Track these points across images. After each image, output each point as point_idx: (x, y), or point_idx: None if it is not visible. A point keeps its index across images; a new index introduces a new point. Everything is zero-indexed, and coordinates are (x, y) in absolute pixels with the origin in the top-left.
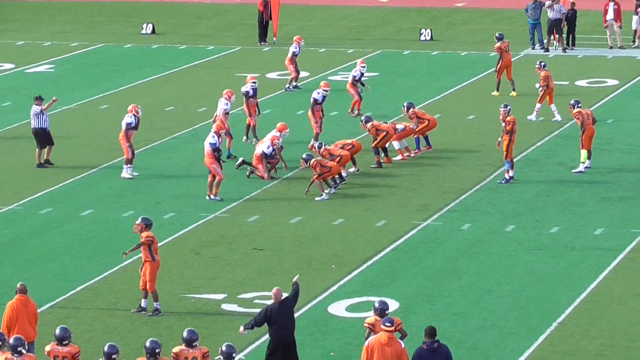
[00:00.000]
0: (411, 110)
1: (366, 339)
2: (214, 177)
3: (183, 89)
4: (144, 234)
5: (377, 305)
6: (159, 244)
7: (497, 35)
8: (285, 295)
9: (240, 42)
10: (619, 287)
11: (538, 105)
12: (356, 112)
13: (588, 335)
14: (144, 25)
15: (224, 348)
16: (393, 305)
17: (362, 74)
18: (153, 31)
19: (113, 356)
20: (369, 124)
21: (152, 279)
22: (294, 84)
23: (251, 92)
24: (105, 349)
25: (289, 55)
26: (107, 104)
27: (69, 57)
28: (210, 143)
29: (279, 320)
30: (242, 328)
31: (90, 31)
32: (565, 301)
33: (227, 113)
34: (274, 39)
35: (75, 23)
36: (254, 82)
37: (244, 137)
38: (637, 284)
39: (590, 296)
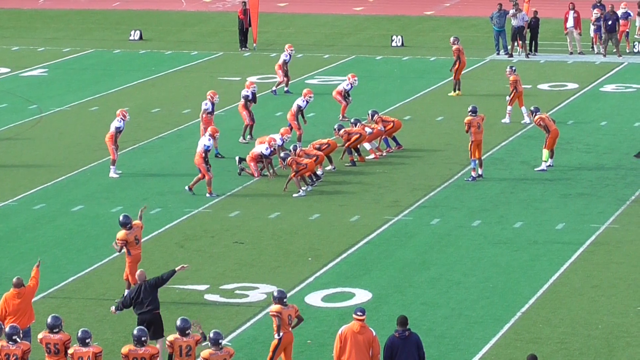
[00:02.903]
0: (376, 116)
1: (275, 326)
2: (204, 174)
3: (168, 91)
4: (117, 236)
5: (275, 294)
6: (147, 237)
7: (452, 38)
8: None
9: (222, 47)
10: (579, 279)
11: (509, 108)
12: (340, 116)
13: (550, 324)
14: (132, 32)
15: (212, 335)
16: (366, 295)
17: (352, 87)
18: (140, 37)
19: (87, 340)
20: (341, 130)
21: (131, 272)
22: (285, 88)
23: (250, 96)
24: (79, 334)
25: (280, 61)
26: (97, 106)
27: (61, 62)
28: (204, 145)
29: (137, 300)
30: (113, 308)
31: (81, 37)
32: (529, 292)
33: (210, 113)
34: (254, 45)
35: (67, 30)
36: (254, 87)
37: (241, 138)
38: (595, 276)
39: (552, 287)
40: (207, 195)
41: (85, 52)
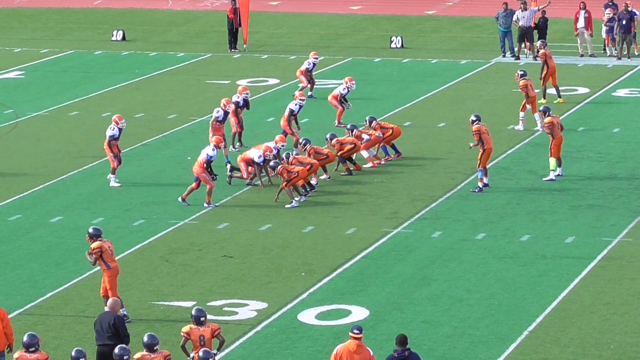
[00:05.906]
0: (374, 122)
1: (181, 346)
2: (198, 184)
3: (153, 95)
4: (92, 246)
5: (193, 312)
6: (130, 250)
7: (539, 42)
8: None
9: (210, 49)
10: (590, 296)
11: (521, 114)
12: (335, 122)
13: (559, 344)
14: (115, 32)
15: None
16: (363, 313)
17: (348, 91)
18: (123, 38)
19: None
20: (333, 140)
21: (111, 286)
22: (309, 92)
23: (241, 103)
24: (73, 353)
25: (302, 67)
26: (77, 110)
27: (38, 63)
28: (207, 154)
29: (97, 328)
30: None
31: (60, 38)
32: (536, 309)
33: (220, 122)
34: (244, 46)
35: (46, 30)
36: (246, 93)
37: (230, 147)
38: (607, 293)
39: (561, 304)
40: (205, 204)
41: (64, 53)
